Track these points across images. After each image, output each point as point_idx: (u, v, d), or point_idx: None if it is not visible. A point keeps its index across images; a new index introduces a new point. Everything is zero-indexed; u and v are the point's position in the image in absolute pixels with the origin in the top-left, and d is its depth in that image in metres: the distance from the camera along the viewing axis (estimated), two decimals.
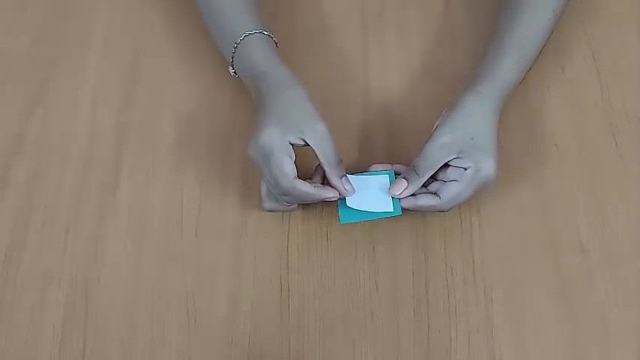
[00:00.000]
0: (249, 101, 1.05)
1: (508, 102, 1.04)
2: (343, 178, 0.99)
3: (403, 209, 1.00)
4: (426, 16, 1.20)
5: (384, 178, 1.02)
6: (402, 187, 0.99)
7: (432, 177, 1.01)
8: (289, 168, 0.95)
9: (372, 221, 1.04)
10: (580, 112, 1.12)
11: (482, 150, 0.99)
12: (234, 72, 1.07)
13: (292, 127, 0.96)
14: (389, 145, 1.11)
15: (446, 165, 0.99)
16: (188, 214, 1.07)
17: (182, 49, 1.19)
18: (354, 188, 1.00)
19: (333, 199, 0.98)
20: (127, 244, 1.05)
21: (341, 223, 0.99)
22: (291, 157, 0.96)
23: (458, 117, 1.00)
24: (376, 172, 1.03)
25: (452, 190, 0.99)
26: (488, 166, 0.98)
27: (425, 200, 1.00)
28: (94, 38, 1.21)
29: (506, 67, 1.04)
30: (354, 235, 1.05)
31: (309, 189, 0.96)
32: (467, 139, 0.99)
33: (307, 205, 1.05)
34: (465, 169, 0.98)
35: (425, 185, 1.01)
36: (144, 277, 1.03)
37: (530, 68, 1.06)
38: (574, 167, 1.08)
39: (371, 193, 1.01)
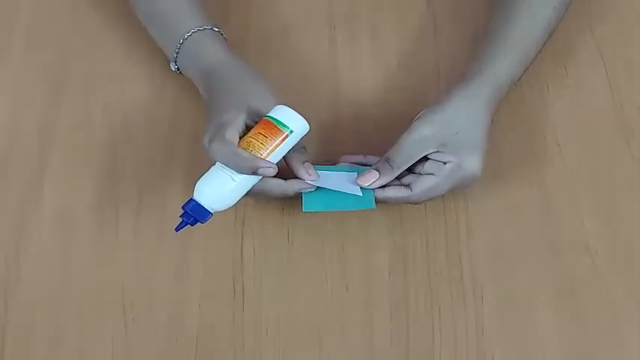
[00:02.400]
0: (191, 99, 1.03)
1: (502, 103, 0.97)
2: (305, 163, 0.91)
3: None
4: (403, 15, 1.15)
5: (352, 175, 0.94)
6: (372, 178, 0.91)
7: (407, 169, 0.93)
8: (231, 135, 0.87)
9: (341, 220, 0.97)
10: (586, 112, 1.06)
11: (468, 146, 0.91)
12: (177, 68, 1.01)
13: (242, 110, 0.89)
14: (359, 144, 1.03)
15: (424, 158, 0.91)
16: (124, 214, 0.98)
17: (114, 48, 1.12)
18: (318, 174, 0.91)
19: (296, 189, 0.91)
20: (52, 244, 0.97)
21: (303, 211, 0.90)
22: (237, 131, 0.88)
23: (443, 112, 0.93)
24: (343, 168, 0.95)
25: (425, 184, 0.91)
26: (472, 164, 0.91)
27: (393, 192, 0.92)
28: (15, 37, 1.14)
29: (501, 67, 0.97)
30: (320, 235, 0.97)
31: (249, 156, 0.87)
32: (450, 134, 0.91)
33: (266, 205, 0.98)
34: (445, 164, 0.90)
35: (398, 177, 0.93)
36: (72, 277, 0.95)
37: (528, 67, 1.00)
38: (578, 167, 1.01)
39: (339, 183, 0.92)
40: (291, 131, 0.88)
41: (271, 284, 0.93)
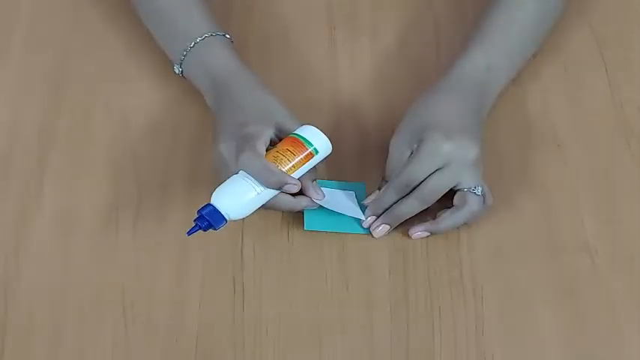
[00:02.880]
0: (192, 100, 1.03)
1: (493, 104, 0.98)
2: (314, 182, 0.92)
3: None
4: (403, 15, 1.15)
5: (352, 194, 0.97)
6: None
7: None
8: (261, 148, 0.88)
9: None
10: (586, 112, 1.05)
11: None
12: (181, 72, 1.00)
13: (270, 124, 0.91)
14: (359, 144, 1.04)
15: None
16: (124, 215, 0.98)
17: (114, 48, 1.12)
18: (324, 194, 0.92)
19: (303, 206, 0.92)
20: (52, 244, 0.96)
21: (305, 230, 0.93)
22: (265, 144, 0.89)
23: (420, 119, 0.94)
24: (343, 184, 0.98)
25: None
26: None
27: (444, 222, 0.94)
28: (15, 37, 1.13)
29: (474, 64, 0.98)
30: (319, 235, 0.96)
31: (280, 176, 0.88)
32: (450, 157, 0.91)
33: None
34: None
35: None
36: (72, 277, 0.94)
37: (518, 64, 1.01)
38: (578, 167, 1.01)
39: (343, 205, 0.95)
40: (317, 151, 0.90)
41: (271, 284, 0.93)
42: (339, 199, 0.95)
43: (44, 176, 1.00)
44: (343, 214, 0.94)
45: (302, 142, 0.89)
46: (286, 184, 0.86)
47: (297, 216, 0.95)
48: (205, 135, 1.01)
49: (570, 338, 0.90)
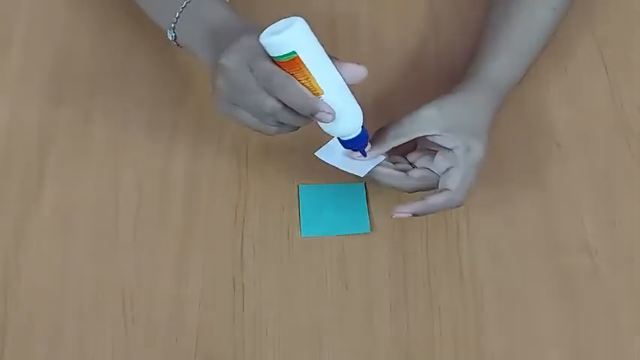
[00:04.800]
0: (193, 100, 1.04)
1: (502, 104, 0.97)
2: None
3: (414, 214, 0.90)
4: (403, 15, 1.14)
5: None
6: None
7: (408, 162, 0.93)
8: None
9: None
10: (585, 112, 1.06)
11: (472, 133, 0.90)
12: (175, 37, 0.95)
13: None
14: None
15: (428, 152, 0.92)
16: (124, 214, 0.97)
17: (114, 47, 1.11)
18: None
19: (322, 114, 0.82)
20: (52, 244, 0.95)
21: (302, 237, 0.95)
22: None
23: (449, 101, 0.92)
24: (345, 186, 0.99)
25: (455, 177, 0.89)
26: (478, 148, 0.89)
27: (435, 198, 0.89)
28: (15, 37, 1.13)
29: (501, 67, 0.97)
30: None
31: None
32: (455, 120, 0.90)
33: (265, 205, 0.98)
34: (452, 150, 0.89)
35: (404, 170, 0.92)
36: (72, 277, 0.93)
37: (529, 68, 1.01)
38: (578, 166, 1.01)
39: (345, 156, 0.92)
40: (296, 52, 0.78)
41: (271, 284, 0.93)
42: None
43: (44, 176, 1.00)
44: (338, 218, 0.96)
45: (280, 61, 0.79)
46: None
47: (297, 216, 0.96)
48: (205, 134, 1.01)
49: (570, 338, 0.90)
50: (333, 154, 0.90)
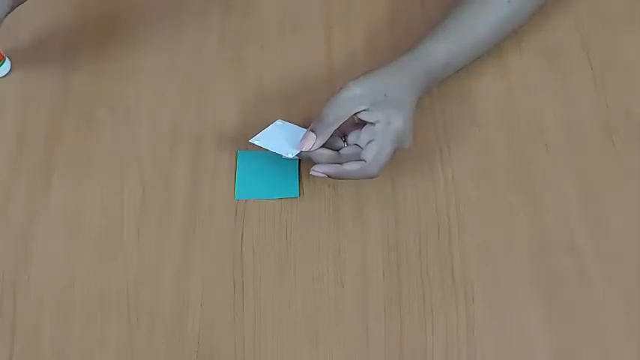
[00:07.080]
0: (194, 100, 1.07)
1: (434, 84, 1.02)
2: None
3: (329, 176, 0.95)
4: (398, 15, 1.16)
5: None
6: (311, 140, 0.95)
7: (344, 142, 0.98)
8: None
9: (337, 221, 0.99)
10: (571, 111, 1.07)
11: (394, 106, 0.95)
12: None
13: None
14: None
15: (357, 127, 0.96)
16: (129, 214, 1.00)
17: (117, 46, 1.13)
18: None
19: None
20: (59, 245, 0.98)
21: (236, 199, 1.00)
22: None
23: (374, 77, 0.97)
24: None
25: (372, 150, 0.94)
26: (398, 121, 0.94)
27: (351, 165, 0.94)
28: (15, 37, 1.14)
29: (435, 51, 1.00)
30: (317, 235, 0.98)
31: None
32: (380, 95, 0.95)
33: (265, 206, 1.00)
34: (374, 124, 0.94)
35: (338, 150, 0.97)
36: (78, 276, 0.96)
37: (474, 57, 1.04)
38: (565, 166, 1.02)
39: (282, 140, 0.98)
40: None
41: (271, 284, 0.95)
42: (286, 134, 0.99)
43: (51, 178, 1.02)
44: (270, 182, 1.00)
45: None
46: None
47: (297, 216, 0.99)
48: (207, 134, 1.04)
49: (557, 337, 0.92)
50: (268, 140, 0.96)
